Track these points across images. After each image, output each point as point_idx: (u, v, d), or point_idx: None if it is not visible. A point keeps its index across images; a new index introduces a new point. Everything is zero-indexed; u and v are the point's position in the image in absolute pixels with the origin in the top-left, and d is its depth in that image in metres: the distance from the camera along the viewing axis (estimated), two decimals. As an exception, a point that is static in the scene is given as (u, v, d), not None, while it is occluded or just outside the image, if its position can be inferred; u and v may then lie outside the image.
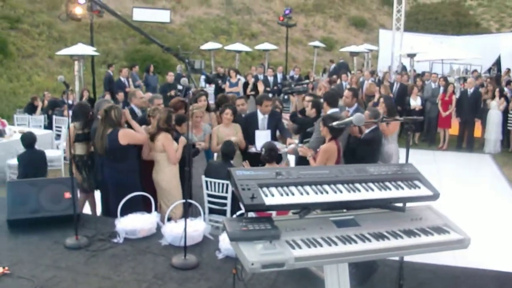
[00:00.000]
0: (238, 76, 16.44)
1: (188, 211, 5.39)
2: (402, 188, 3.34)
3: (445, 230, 3.24)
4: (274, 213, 4.42)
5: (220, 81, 15.61)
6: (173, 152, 6.19)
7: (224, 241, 4.82)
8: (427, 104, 14.20)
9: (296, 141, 7.59)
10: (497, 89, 13.81)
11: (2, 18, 21.36)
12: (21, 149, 9.17)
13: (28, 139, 7.53)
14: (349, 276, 3.18)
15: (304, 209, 3.04)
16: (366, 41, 29.84)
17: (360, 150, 6.73)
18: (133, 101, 7.67)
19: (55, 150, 10.72)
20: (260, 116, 7.66)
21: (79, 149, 6.62)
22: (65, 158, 10.40)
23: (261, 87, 8.64)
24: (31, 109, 13.28)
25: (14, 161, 9.30)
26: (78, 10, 13.57)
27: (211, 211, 6.52)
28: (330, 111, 6.95)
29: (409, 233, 3.15)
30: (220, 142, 7.08)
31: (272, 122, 7.69)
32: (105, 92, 12.93)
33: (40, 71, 20.21)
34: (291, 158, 7.86)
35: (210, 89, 16.61)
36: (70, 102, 11.14)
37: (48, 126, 12.12)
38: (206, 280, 4.43)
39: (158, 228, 5.38)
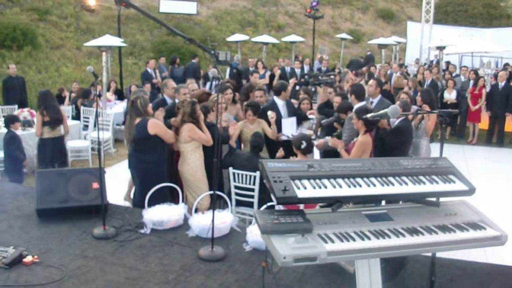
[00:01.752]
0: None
1: (215, 203, 5.37)
2: (437, 182, 3.25)
3: (481, 226, 3.15)
4: (301, 206, 4.38)
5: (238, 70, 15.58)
6: (203, 136, 6.19)
7: (251, 234, 4.78)
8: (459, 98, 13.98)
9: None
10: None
11: (32, 10, 21.60)
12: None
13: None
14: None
15: (337, 202, 2.98)
16: (394, 33, 29.54)
17: (390, 141, 6.65)
18: (165, 92, 7.73)
19: (83, 141, 10.84)
20: (280, 103, 7.69)
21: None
22: (93, 149, 10.50)
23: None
24: (58, 100, 13.38)
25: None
26: (91, 1, 13.64)
27: (238, 203, 6.50)
28: (358, 104, 6.88)
29: (444, 228, 3.07)
30: (245, 138, 7.08)
31: (291, 109, 7.75)
32: (143, 86, 12.97)
33: (68, 62, 20.40)
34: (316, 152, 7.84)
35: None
36: (97, 92, 11.24)
37: (76, 116, 12.22)
38: (233, 273, 4.39)
39: (185, 219, 5.36)
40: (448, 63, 18.55)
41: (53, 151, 8.35)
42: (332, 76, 8.61)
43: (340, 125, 7.20)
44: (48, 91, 8.66)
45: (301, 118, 8.05)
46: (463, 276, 4.45)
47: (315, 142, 7.06)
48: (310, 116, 8.08)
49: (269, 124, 7.32)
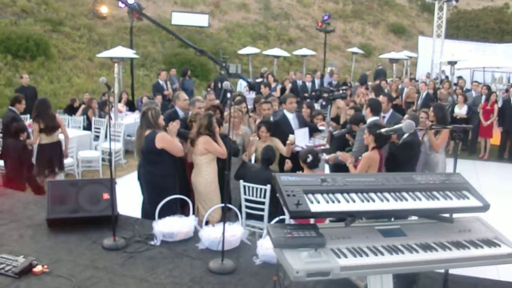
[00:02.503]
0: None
1: (226, 215, 5.35)
2: (451, 198, 3.22)
3: (495, 243, 3.11)
4: (311, 220, 4.35)
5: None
6: (218, 149, 6.19)
7: (261, 247, 4.75)
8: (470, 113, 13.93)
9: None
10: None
11: (45, 21, 21.81)
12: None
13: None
14: (392, 287, 3.10)
15: (350, 217, 2.96)
16: (405, 48, 29.58)
17: (400, 154, 6.62)
18: (177, 103, 7.73)
19: (93, 151, 10.86)
20: (289, 116, 7.71)
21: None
22: (103, 159, 10.53)
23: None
24: (70, 110, 13.48)
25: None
26: (104, 9, 13.78)
27: (248, 216, 6.47)
28: (372, 118, 6.86)
29: (458, 245, 3.03)
30: (257, 156, 7.09)
31: (301, 120, 7.77)
32: (154, 97, 13.00)
33: (80, 73, 20.54)
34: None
35: (250, 95, 16.50)
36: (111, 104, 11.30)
37: (87, 127, 12.27)
38: (243, 286, 4.37)
39: (196, 231, 5.34)
40: (459, 78, 18.50)
41: (50, 155, 8.52)
42: (344, 91, 8.62)
43: (352, 137, 7.18)
44: (46, 99, 8.81)
45: (312, 130, 8.05)
46: (476, 293, 4.41)
47: (327, 157, 7.03)
48: (320, 128, 8.07)
49: (284, 143, 7.34)
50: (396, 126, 3.47)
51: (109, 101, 5.83)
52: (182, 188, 6.50)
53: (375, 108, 7.02)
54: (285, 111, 7.86)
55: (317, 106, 13.62)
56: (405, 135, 6.76)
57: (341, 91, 8.43)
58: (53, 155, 8.56)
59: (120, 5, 17.29)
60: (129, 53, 14.86)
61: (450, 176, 3.45)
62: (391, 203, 3.05)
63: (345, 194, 3.02)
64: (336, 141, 7.62)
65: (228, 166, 4.81)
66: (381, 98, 7.79)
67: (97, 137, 11.50)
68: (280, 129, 7.68)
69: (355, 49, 26.43)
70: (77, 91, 18.13)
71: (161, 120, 6.21)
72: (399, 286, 3.67)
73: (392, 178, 3.25)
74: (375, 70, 23.45)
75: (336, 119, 8.01)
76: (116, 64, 13.07)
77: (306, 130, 7.62)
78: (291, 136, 7.33)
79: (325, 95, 8.47)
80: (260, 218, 6.37)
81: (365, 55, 30.90)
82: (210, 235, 5.05)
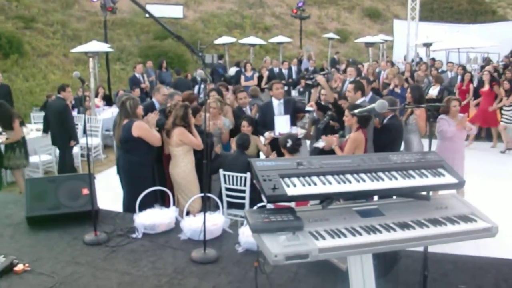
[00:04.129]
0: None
1: (207, 205, 5.36)
2: (426, 176, 3.25)
3: (471, 218, 3.15)
4: (292, 204, 4.37)
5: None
6: (194, 140, 6.19)
7: (243, 235, 4.77)
8: (444, 94, 14.02)
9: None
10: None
11: (17, 18, 21.45)
12: (40, 147, 9.31)
13: None
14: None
15: (327, 199, 2.97)
16: (381, 31, 29.65)
17: (381, 138, 6.66)
18: (156, 96, 7.73)
19: (72, 147, 10.74)
20: (275, 102, 7.67)
21: None
22: (82, 155, 10.45)
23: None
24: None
25: (32, 159, 9.36)
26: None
27: (229, 205, 6.48)
28: (361, 100, 6.90)
29: (435, 222, 3.07)
30: None
31: (289, 107, 7.69)
32: (132, 91, 12.83)
33: (55, 70, 20.29)
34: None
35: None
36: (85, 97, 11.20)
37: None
38: (226, 274, 4.38)
39: (177, 222, 5.34)
40: (432, 59, 18.64)
41: None
42: (325, 76, 8.57)
43: (336, 122, 7.16)
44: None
45: (300, 111, 7.98)
46: (456, 270, 4.46)
47: (321, 145, 6.91)
48: (308, 108, 7.94)
49: (267, 129, 7.36)
50: (369, 106, 3.48)
51: (84, 95, 5.78)
52: (161, 179, 6.50)
53: (363, 89, 7.07)
54: (272, 98, 7.81)
55: (294, 92, 13.66)
56: (385, 119, 6.80)
57: (321, 75, 8.38)
58: None
59: (93, -1, 17.17)
60: (103, 47, 14.74)
61: (426, 154, 3.48)
62: (367, 184, 3.07)
63: (322, 177, 3.03)
64: (321, 131, 7.52)
65: (206, 155, 4.81)
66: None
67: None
68: (262, 114, 7.71)
69: (331, 35, 26.44)
70: (53, 88, 17.82)
71: (139, 110, 6.23)
72: (381, 266, 3.71)
73: (368, 159, 3.27)
74: (331, 58, 23.48)
75: (317, 104, 7.98)
76: (91, 59, 12.95)
77: (287, 117, 7.58)
78: (267, 134, 7.33)
79: (308, 82, 8.40)
80: (241, 206, 6.39)
81: (341, 40, 30.92)
82: (192, 225, 5.06)
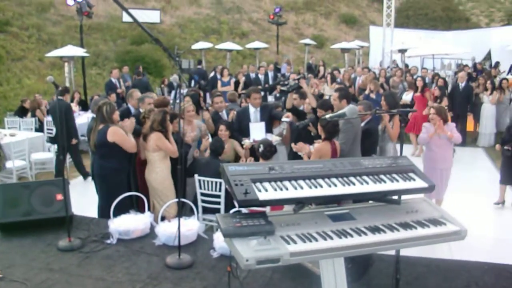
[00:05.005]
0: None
1: (182, 210, 5.35)
2: (397, 181, 3.31)
3: (441, 222, 3.21)
4: (268, 209, 4.39)
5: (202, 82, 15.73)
6: (170, 147, 6.18)
7: (218, 240, 4.77)
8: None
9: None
10: (488, 82, 13.84)
11: (-9, 21, 21.26)
12: (14, 153, 9.21)
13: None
14: (345, 271, 3.15)
15: (298, 203, 3.00)
16: (357, 37, 29.95)
17: (364, 142, 6.65)
18: (130, 102, 7.71)
19: (47, 153, 10.65)
20: (251, 109, 7.69)
21: None
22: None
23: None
24: (21, 112, 13.18)
25: (6, 164, 9.25)
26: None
27: (205, 210, 6.48)
28: (348, 107, 6.89)
29: (405, 225, 3.12)
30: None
31: (265, 114, 7.71)
32: (108, 96, 12.73)
33: (30, 74, 20.08)
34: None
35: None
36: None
37: (39, 128, 12.03)
38: (201, 279, 4.39)
39: (152, 228, 5.33)
40: (406, 66, 18.87)
41: None
42: (297, 81, 8.57)
43: (314, 128, 7.16)
44: None
45: (276, 118, 7.97)
46: (428, 273, 4.53)
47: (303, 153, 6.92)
48: (284, 119, 7.88)
49: (243, 134, 7.38)
50: (339, 112, 3.53)
51: (57, 99, 5.75)
52: (136, 184, 6.49)
53: (348, 98, 6.94)
54: (249, 105, 7.83)
55: (270, 98, 13.71)
56: (362, 124, 6.81)
57: (296, 80, 8.39)
58: None
59: (69, 3, 17.03)
60: (79, 51, 14.65)
61: (397, 159, 3.54)
62: (338, 188, 3.11)
63: (293, 181, 3.06)
64: (297, 132, 7.51)
65: (181, 160, 4.81)
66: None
67: (50, 138, 11.27)
68: (238, 120, 7.73)
69: (307, 41, 26.61)
70: (28, 93, 17.70)
71: (116, 115, 6.21)
72: (354, 270, 3.75)
73: (340, 164, 3.31)
74: (306, 64, 23.59)
75: (292, 110, 7.99)
76: (66, 64, 12.85)
77: (262, 124, 7.59)
78: (246, 141, 7.35)
79: (283, 88, 8.39)
80: (217, 211, 6.38)
81: (318, 46, 31.14)
82: (166, 230, 5.05)
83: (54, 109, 10.26)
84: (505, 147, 8.31)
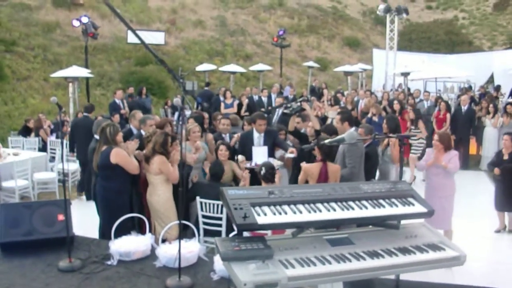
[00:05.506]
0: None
1: (184, 233, 5.35)
2: (396, 206, 3.32)
3: (440, 247, 3.22)
4: (269, 232, 4.40)
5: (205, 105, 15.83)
6: (171, 172, 6.20)
7: (218, 262, 4.76)
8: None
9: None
10: (491, 105, 13.86)
11: (-3, 41, 21.45)
12: (17, 172, 9.23)
13: None
14: (345, 296, 3.16)
15: (297, 228, 3.02)
16: (360, 60, 30.05)
17: (365, 165, 6.68)
18: (133, 123, 7.77)
19: (50, 173, 10.69)
20: (255, 134, 7.72)
21: None
22: (59, 181, 10.37)
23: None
24: (25, 131, 13.25)
25: (8, 184, 9.29)
26: None
27: (206, 232, 6.48)
28: (350, 130, 6.92)
29: (404, 250, 3.13)
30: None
31: (269, 139, 7.73)
32: (112, 117, 12.78)
33: (35, 94, 20.21)
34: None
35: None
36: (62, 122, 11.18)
37: (43, 148, 12.08)
38: (201, 302, 4.38)
39: (153, 249, 5.33)
40: (408, 89, 18.90)
41: None
42: (299, 103, 8.59)
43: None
44: None
45: (280, 146, 7.98)
46: (429, 297, 4.52)
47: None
48: (288, 155, 7.81)
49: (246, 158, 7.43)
50: (339, 137, 3.56)
51: (61, 120, 5.78)
52: (138, 205, 6.49)
53: (351, 120, 6.99)
54: (254, 129, 7.86)
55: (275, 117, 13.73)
56: (365, 146, 6.84)
57: (298, 103, 8.42)
58: None
59: (75, 24, 17.21)
60: (83, 72, 14.75)
61: (396, 184, 3.56)
62: (337, 213, 3.12)
63: (292, 206, 3.09)
64: (301, 155, 7.48)
65: (182, 182, 4.83)
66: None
67: (53, 158, 11.31)
68: (242, 143, 7.79)
69: (311, 63, 26.73)
70: (32, 112, 17.80)
71: (119, 137, 6.23)
72: (354, 294, 3.75)
73: (339, 188, 3.33)
74: (310, 86, 23.67)
75: (294, 133, 8.01)
76: (70, 84, 12.94)
77: (265, 148, 7.64)
78: (239, 157, 7.39)
79: (286, 111, 8.42)
80: (218, 234, 6.38)
81: (321, 69, 31.28)
82: (167, 252, 5.04)
83: (76, 126, 10.75)
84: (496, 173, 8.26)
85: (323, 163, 6.08)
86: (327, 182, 6.13)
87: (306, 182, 6.19)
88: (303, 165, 6.25)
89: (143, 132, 7.17)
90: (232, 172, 7.34)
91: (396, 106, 12.52)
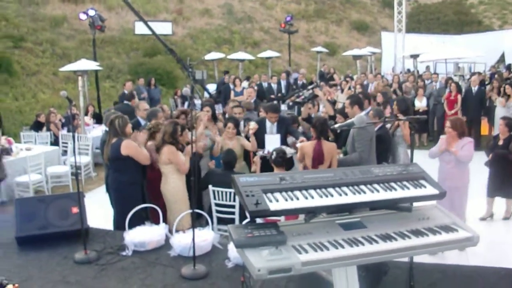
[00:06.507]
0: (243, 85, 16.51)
1: (197, 221, 5.38)
2: (408, 188, 3.32)
3: (453, 228, 3.21)
4: (282, 218, 4.42)
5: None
6: (181, 162, 6.22)
7: (233, 250, 4.79)
8: (431, 105, 14.17)
9: None
10: (501, 86, 13.71)
11: (6, 37, 21.46)
12: (30, 167, 9.29)
13: None
14: (359, 280, 3.16)
15: (310, 213, 3.02)
16: (369, 44, 29.89)
17: (377, 148, 6.66)
18: (138, 114, 7.77)
19: (62, 166, 10.76)
20: (268, 123, 7.72)
21: None
22: (72, 174, 10.44)
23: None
24: (37, 126, 13.31)
25: (22, 179, 9.37)
26: None
27: (220, 220, 6.51)
28: (361, 114, 6.90)
29: (417, 233, 3.13)
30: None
31: (282, 128, 7.73)
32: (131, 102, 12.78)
33: (45, 88, 20.29)
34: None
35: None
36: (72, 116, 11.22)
37: (55, 142, 12.15)
38: (216, 289, 4.41)
39: (167, 239, 5.37)
40: (413, 71, 18.73)
41: None
42: (311, 91, 8.56)
43: (332, 133, 7.18)
44: None
45: (292, 135, 7.96)
46: (444, 279, 4.51)
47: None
48: (299, 145, 7.84)
49: (248, 137, 7.42)
50: (348, 121, 3.56)
51: (71, 113, 5.81)
52: (151, 196, 6.52)
53: (360, 103, 6.94)
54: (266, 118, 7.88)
55: (284, 107, 13.73)
56: (375, 129, 6.82)
57: (310, 90, 8.40)
58: None
59: (82, 17, 17.21)
60: (92, 65, 14.75)
61: (407, 166, 3.55)
62: (349, 197, 3.13)
63: (304, 191, 3.09)
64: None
65: (194, 172, 4.85)
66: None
67: (65, 152, 11.38)
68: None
69: (319, 48, 26.57)
70: (43, 107, 17.88)
71: (128, 128, 6.24)
72: (369, 278, 3.76)
73: (350, 172, 3.33)
74: (319, 72, 23.53)
75: (307, 119, 8.00)
76: (80, 77, 12.96)
77: (278, 136, 7.64)
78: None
79: (298, 100, 8.40)
80: (231, 221, 6.40)
81: (330, 54, 31.10)
82: (181, 241, 5.09)
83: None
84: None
85: (317, 140, 6.17)
86: (323, 159, 6.23)
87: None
88: (301, 144, 6.34)
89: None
90: (241, 147, 7.35)
91: (379, 99, 12.07)
